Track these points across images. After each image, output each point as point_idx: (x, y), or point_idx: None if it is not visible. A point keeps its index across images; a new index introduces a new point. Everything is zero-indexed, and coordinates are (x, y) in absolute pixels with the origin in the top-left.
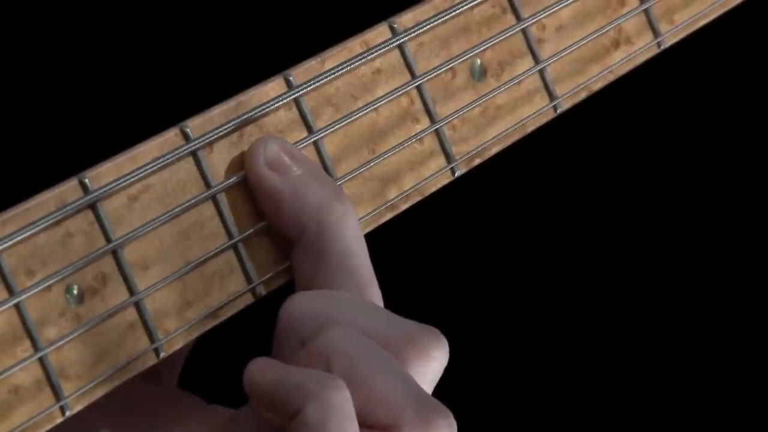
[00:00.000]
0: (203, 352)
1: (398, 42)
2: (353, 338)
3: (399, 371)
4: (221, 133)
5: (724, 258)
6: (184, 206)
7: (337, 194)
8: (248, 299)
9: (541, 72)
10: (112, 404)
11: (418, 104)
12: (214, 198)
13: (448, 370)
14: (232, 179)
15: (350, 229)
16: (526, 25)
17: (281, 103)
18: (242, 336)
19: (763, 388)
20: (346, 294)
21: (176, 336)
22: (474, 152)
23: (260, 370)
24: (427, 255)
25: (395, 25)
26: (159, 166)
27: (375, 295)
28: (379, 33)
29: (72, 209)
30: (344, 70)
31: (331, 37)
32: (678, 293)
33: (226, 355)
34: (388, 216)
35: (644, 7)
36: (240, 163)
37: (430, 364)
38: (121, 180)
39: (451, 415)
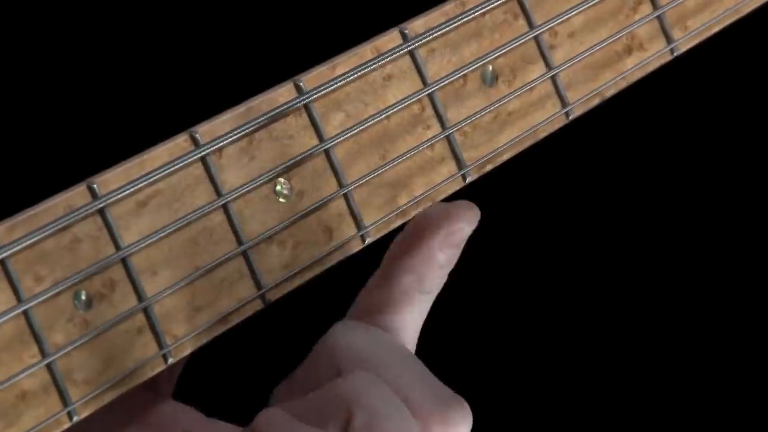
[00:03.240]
0: (202, 363)
1: (409, 48)
2: (380, 392)
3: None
4: (231, 139)
5: (738, 264)
6: (194, 213)
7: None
8: (258, 305)
9: (554, 78)
10: (107, 413)
11: (429, 110)
12: (224, 204)
13: (452, 376)
14: (243, 187)
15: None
16: (538, 32)
17: (291, 108)
18: (243, 346)
19: (763, 388)
20: (394, 342)
21: (185, 342)
22: (485, 158)
23: (269, 424)
24: None
25: (406, 31)
26: (168, 171)
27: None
28: (390, 39)
29: (80, 214)
30: (355, 75)
31: (342, 43)
32: (684, 299)
33: (226, 366)
34: (399, 222)
35: (657, 13)
36: (250, 169)
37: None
38: (130, 185)
39: None
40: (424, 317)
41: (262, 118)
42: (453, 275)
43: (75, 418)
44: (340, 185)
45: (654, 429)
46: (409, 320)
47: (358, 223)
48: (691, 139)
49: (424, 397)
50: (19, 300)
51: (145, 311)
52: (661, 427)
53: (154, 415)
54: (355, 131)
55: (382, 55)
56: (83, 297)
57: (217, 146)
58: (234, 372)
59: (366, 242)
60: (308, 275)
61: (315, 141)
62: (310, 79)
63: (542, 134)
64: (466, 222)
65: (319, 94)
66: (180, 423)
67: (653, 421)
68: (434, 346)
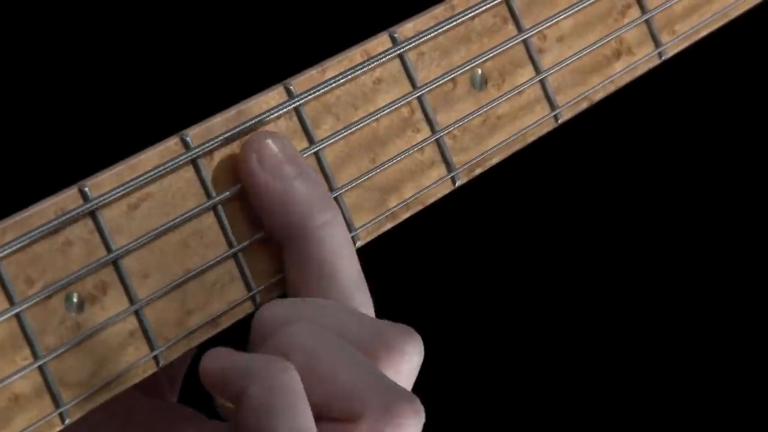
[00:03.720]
0: None
1: (399, 51)
2: (312, 331)
3: (360, 361)
4: (221, 142)
5: (723, 265)
6: (184, 216)
7: (323, 199)
8: (249, 308)
9: (542, 82)
10: (111, 418)
11: (419, 114)
12: (214, 207)
13: (446, 376)
14: (233, 189)
15: (335, 236)
16: (527, 35)
17: (282, 112)
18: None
19: (763, 388)
20: (320, 300)
21: (176, 344)
22: (474, 162)
23: (213, 359)
24: (428, 264)
25: (396, 35)
26: (159, 174)
27: (362, 302)
28: (379, 42)
29: (72, 217)
30: (345, 79)
31: (332, 47)
32: (677, 303)
33: None
34: (389, 225)
35: (646, 17)
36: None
37: (404, 361)
38: (121, 188)
39: (417, 401)
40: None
41: (252, 122)
42: (444, 278)
43: (67, 421)
44: (330, 188)
45: (654, 429)
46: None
47: (348, 226)
48: (680, 143)
49: (361, 332)
50: (12, 303)
51: (137, 314)
52: (661, 427)
53: (159, 421)
54: (345, 134)
55: (372, 58)
56: (75, 300)
57: (207, 149)
58: None
59: (356, 245)
60: None
61: (305, 144)
62: (300, 82)
63: (531, 138)
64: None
65: (309, 97)
66: (184, 427)
67: (653, 421)
68: (429, 351)
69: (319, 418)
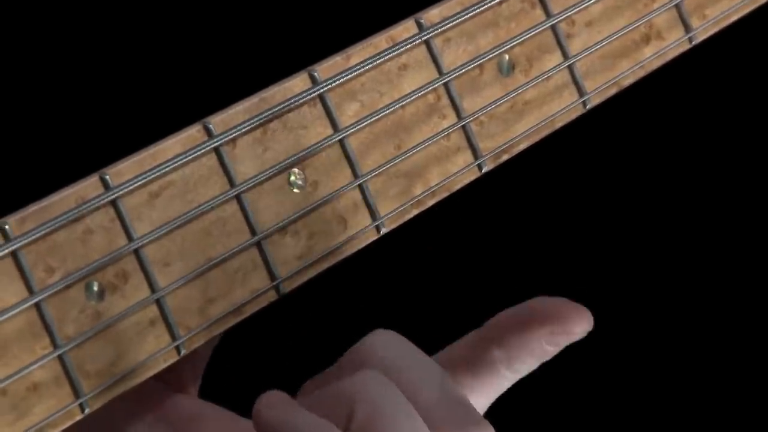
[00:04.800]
0: (225, 360)
1: (425, 37)
2: (386, 389)
3: (421, 426)
4: (244, 130)
5: (733, 265)
6: (207, 204)
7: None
8: (272, 296)
9: (570, 67)
10: (132, 413)
11: (445, 100)
12: (237, 195)
13: None
14: (257, 177)
15: None
16: (555, 21)
17: (306, 99)
18: (265, 340)
19: (763, 388)
20: (426, 357)
21: (198, 333)
22: (502, 148)
23: (268, 407)
24: (454, 251)
25: (422, 21)
26: (181, 162)
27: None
28: (405, 28)
29: (92, 206)
30: (370, 65)
31: (357, 33)
32: (691, 303)
33: (249, 363)
34: (414, 212)
35: (676, 2)
36: (264, 160)
37: None
38: (143, 176)
39: None
40: (498, 394)
41: (276, 109)
42: (467, 264)
43: (87, 410)
44: (355, 175)
45: (654, 429)
46: (483, 386)
47: (373, 214)
48: (711, 129)
49: (439, 409)
50: (31, 292)
51: (158, 302)
52: (661, 427)
53: (181, 415)
54: (370, 121)
55: (398, 44)
56: (95, 288)
57: (230, 137)
58: (259, 368)
59: (381, 233)
60: (323, 266)
61: (329, 131)
62: (324, 69)
63: (559, 124)
64: (577, 329)
65: (334, 84)
66: (206, 422)
67: (653, 421)
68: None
69: None
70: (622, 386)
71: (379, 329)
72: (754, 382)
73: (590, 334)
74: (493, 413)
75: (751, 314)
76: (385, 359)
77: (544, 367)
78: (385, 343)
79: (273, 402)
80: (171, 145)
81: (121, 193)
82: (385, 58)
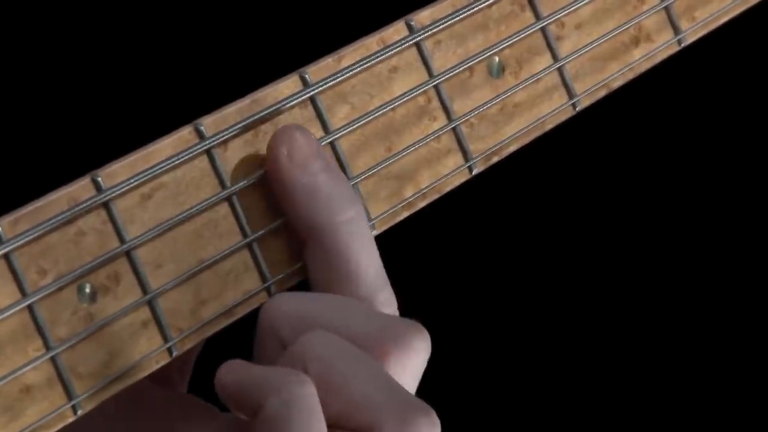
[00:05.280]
0: (215, 357)
1: (415, 40)
2: (329, 341)
3: (378, 372)
4: (236, 132)
5: (732, 265)
6: (198, 206)
7: (348, 194)
8: (263, 298)
9: (560, 70)
10: (121, 408)
11: (435, 102)
12: (229, 197)
13: (457, 369)
14: (248, 179)
15: (359, 232)
16: (545, 23)
17: (297, 101)
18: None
19: (763, 388)
20: (329, 296)
21: (190, 335)
22: (492, 150)
23: (229, 371)
24: (444, 253)
25: (412, 23)
26: (173, 164)
27: (385, 299)
28: (396, 30)
29: (85, 208)
30: (361, 67)
31: (348, 35)
32: (689, 304)
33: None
34: (405, 214)
35: (665, 4)
36: (255, 161)
37: (411, 357)
38: (135, 178)
39: (433, 412)
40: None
41: (267, 111)
42: (457, 266)
43: (79, 412)
44: (347, 178)
45: (654, 429)
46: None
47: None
48: (700, 131)
49: (373, 333)
50: (24, 294)
51: (150, 304)
52: (661, 428)
53: (171, 413)
54: (361, 123)
55: (388, 47)
56: (87, 290)
57: (222, 139)
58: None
59: (372, 234)
60: None
61: (321, 133)
62: (315, 71)
63: (549, 126)
64: None
65: (325, 86)
66: (194, 418)
67: (653, 421)
68: (442, 342)
69: (335, 429)
70: (622, 386)
71: (269, 299)
72: (754, 382)
73: (581, 335)
74: (493, 413)
75: (748, 311)
76: (300, 319)
77: (545, 367)
78: (290, 305)
79: (231, 368)
80: (163, 147)
81: (113, 195)
82: (376, 60)
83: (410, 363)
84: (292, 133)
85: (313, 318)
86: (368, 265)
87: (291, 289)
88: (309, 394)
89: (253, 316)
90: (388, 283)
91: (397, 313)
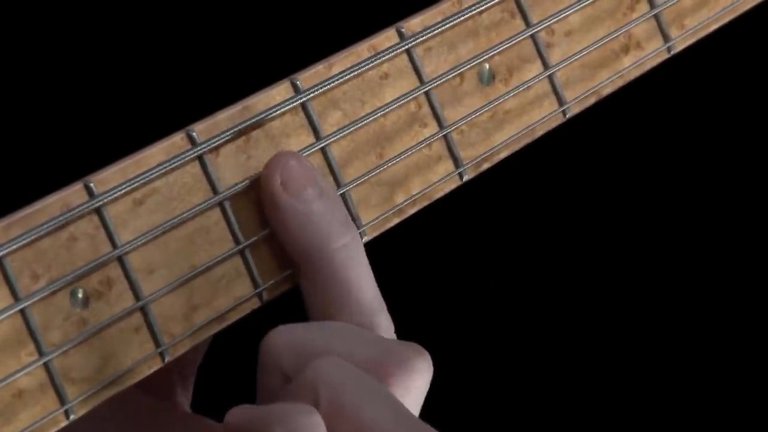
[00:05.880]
0: (216, 373)
1: (406, 46)
2: (340, 367)
3: (386, 396)
4: (228, 138)
5: (738, 264)
6: (190, 212)
7: (342, 221)
8: (255, 303)
9: (551, 77)
10: (121, 422)
11: (426, 109)
12: (221, 203)
13: (455, 377)
14: (240, 185)
15: (354, 258)
16: (535, 30)
17: (288, 107)
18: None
19: (763, 388)
20: (326, 323)
21: (182, 340)
22: (482, 157)
23: (235, 416)
24: (435, 259)
25: (403, 30)
26: (165, 170)
27: (382, 324)
28: (386, 37)
29: (77, 213)
30: (352, 74)
31: (339, 42)
32: (687, 304)
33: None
34: (396, 221)
35: (654, 12)
36: (247, 167)
37: (415, 379)
38: (127, 184)
39: None
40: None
41: (258, 117)
42: (448, 273)
43: (72, 417)
44: (337, 184)
45: (654, 429)
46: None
47: (355, 222)
48: (689, 138)
49: (376, 358)
50: (16, 299)
51: (142, 310)
52: (661, 428)
53: (172, 429)
54: (352, 130)
55: (379, 53)
56: (80, 295)
57: (213, 145)
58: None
59: (363, 241)
60: None
61: (312, 139)
62: (306, 77)
63: (539, 133)
64: None
65: (316, 92)
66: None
67: (653, 421)
68: (436, 349)
69: None
70: (622, 386)
71: (270, 331)
72: (755, 382)
73: (571, 346)
74: (493, 413)
75: (748, 312)
76: (304, 349)
77: (544, 367)
78: (294, 336)
79: (238, 412)
80: (155, 153)
81: (105, 200)
82: (367, 66)
83: (413, 385)
84: (287, 160)
85: (314, 347)
86: (366, 290)
87: (282, 296)
88: (315, 423)
89: (247, 324)
90: (385, 306)
91: (394, 335)
